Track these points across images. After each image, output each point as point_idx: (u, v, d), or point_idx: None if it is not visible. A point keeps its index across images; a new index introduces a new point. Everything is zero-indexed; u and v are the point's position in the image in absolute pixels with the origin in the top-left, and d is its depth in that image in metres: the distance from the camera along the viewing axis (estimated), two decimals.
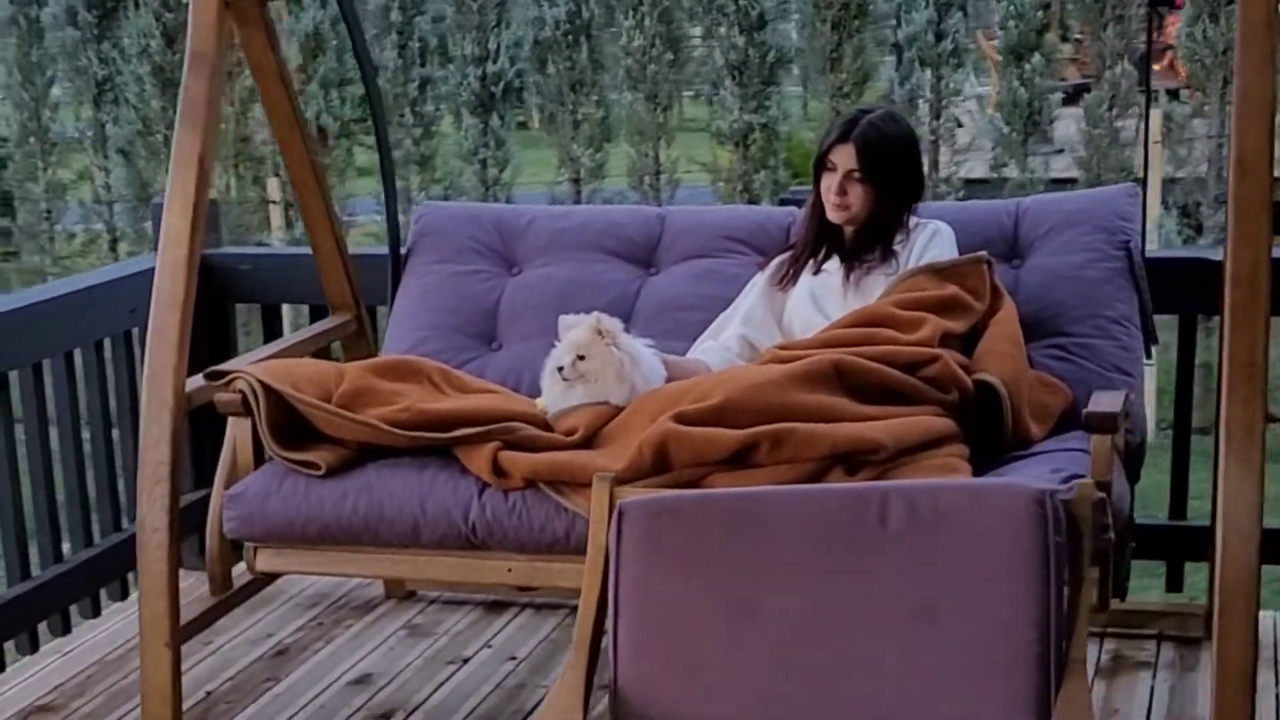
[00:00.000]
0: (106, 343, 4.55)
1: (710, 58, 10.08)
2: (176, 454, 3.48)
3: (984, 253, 3.71)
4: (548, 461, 3.32)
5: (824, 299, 3.77)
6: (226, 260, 4.86)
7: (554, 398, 3.55)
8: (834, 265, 3.78)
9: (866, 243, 3.75)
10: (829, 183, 3.71)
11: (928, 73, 9.58)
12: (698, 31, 10.74)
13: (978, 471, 3.32)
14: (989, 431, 3.45)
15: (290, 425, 3.47)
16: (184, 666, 4.16)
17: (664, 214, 4.25)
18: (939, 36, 9.39)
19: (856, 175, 3.67)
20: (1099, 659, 4.02)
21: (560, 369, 3.50)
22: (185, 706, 3.90)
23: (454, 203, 4.56)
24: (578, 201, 9.82)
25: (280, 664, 4.25)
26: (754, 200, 9.55)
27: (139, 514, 3.47)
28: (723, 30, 9.55)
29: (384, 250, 4.34)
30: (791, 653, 2.29)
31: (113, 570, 4.58)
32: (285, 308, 5.45)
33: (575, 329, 3.54)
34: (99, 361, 4.49)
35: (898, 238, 3.75)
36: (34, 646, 4.32)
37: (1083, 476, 3.08)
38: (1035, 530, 2.26)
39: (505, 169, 10.06)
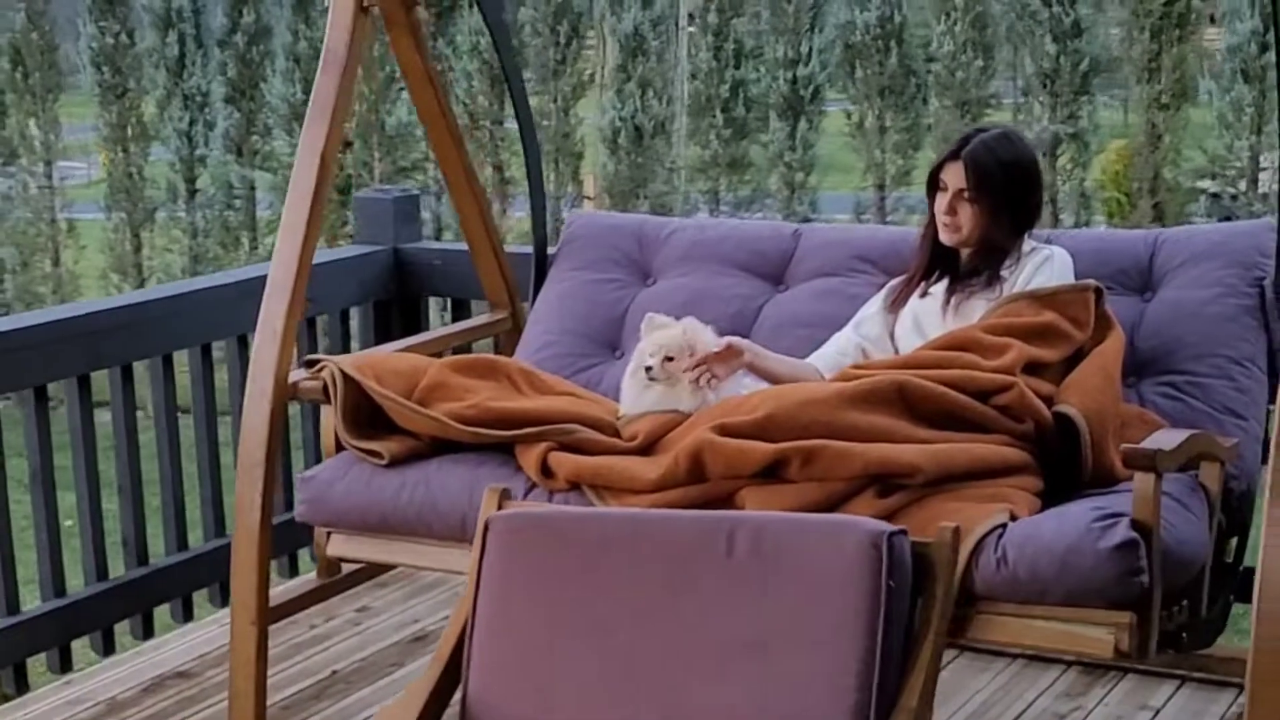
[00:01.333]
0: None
1: (1019, 65, 9.83)
2: (273, 439, 3.67)
3: (1092, 280, 3.57)
4: (591, 465, 3.36)
5: (925, 322, 3.70)
6: (420, 254, 5.07)
7: (629, 399, 3.59)
8: (939, 288, 3.70)
9: (978, 266, 3.66)
10: (940, 202, 3.64)
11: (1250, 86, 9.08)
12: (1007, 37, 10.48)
13: (1047, 505, 3.21)
14: (1068, 465, 3.33)
15: (370, 416, 3.61)
16: (325, 645, 4.44)
17: (800, 230, 4.23)
18: (1263, 48, 8.90)
19: (966, 195, 3.59)
20: (1163, 706, 3.87)
21: (648, 368, 3.52)
22: (306, 683, 4.15)
23: (602, 213, 4.64)
24: (881, 209, 9.74)
25: (413, 650, 4.39)
26: (1057, 215, 9.28)
27: (236, 494, 3.67)
28: (1036, 36, 9.29)
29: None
30: (632, 679, 2.28)
31: None
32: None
33: (665, 329, 3.56)
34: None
35: (1007, 262, 3.64)
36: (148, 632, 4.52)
37: (1123, 515, 2.97)
38: (865, 572, 2.19)
39: (810, 173, 10.05)
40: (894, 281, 3.82)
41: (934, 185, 3.67)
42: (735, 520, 2.36)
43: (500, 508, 2.62)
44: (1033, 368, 3.45)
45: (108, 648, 4.33)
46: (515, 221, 10.73)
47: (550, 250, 4.41)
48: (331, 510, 3.59)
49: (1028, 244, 3.67)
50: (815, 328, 3.90)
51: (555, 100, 10.51)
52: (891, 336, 3.76)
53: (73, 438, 4.17)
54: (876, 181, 10.03)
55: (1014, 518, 3.09)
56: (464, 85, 10.60)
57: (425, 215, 10.51)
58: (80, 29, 11.79)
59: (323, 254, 4.94)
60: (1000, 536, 3.02)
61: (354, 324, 5.04)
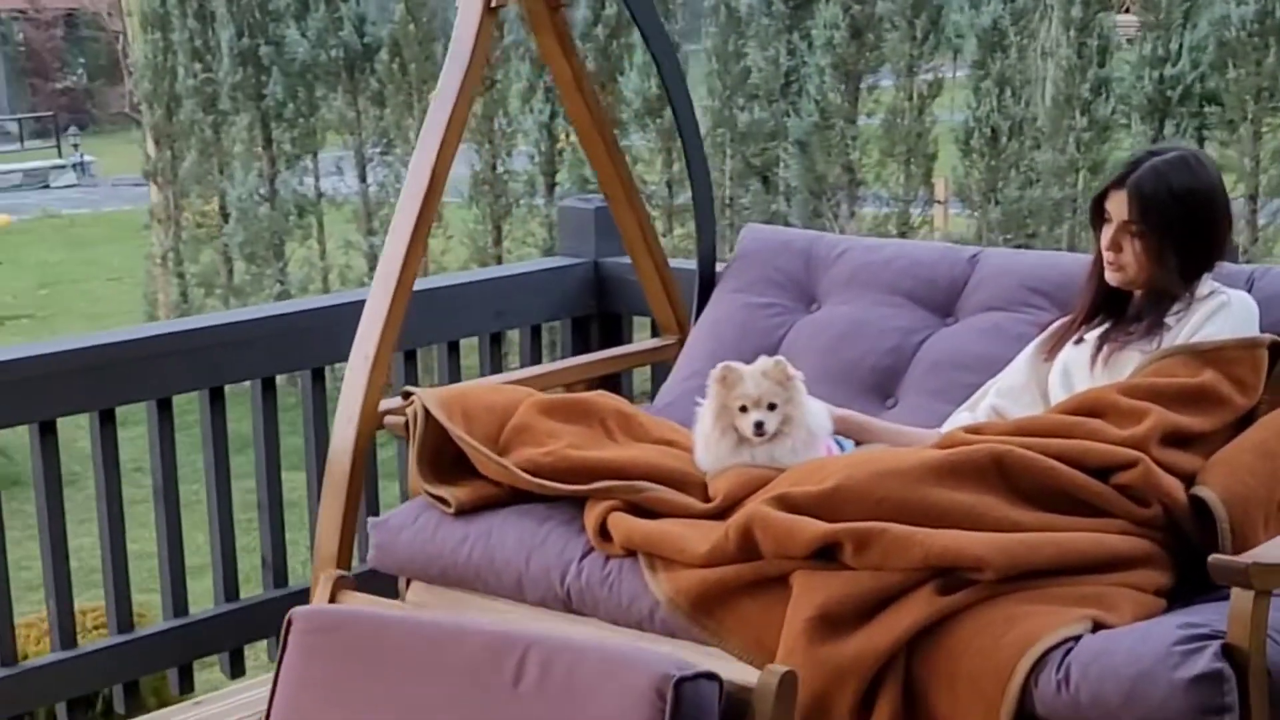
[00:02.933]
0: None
1: None
2: (356, 468, 3.45)
3: (1268, 336, 2.98)
4: (644, 531, 3.00)
5: (1074, 374, 3.19)
6: (621, 269, 4.76)
7: (712, 455, 3.19)
8: (1095, 335, 3.17)
9: (1140, 311, 3.12)
10: (1104, 236, 3.12)
11: None
12: None
13: (1175, 606, 2.68)
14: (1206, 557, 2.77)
15: (458, 454, 3.34)
16: None
17: (979, 254, 3.72)
18: None
19: (1132, 228, 3.05)
20: None
21: (759, 425, 3.10)
22: None
23: (775, 227, 4.21)
24: (1253, 223, 8.84)
25: None
26: None
27: (318, 527, 3.47)
28: None
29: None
30: None
31: None
32: None
33: (756, 375, 3.14)
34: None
35: (1175, 308, 3.08)
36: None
37: (1215, 639, 2.43)
38: None
39: None
40: (1057, 323, 3.29)
41: (1099, 215, 3.13)
42: (529, 642, 1.99)
43: (334, 597, 2.30)
44: (1179, 439, 2.90)
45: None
46: (864, 220, 10.29)
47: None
48: (399, 558, 3.34)
49: (1206, 286, 3.10)
50: (975, 371, 3.44)
51: (910, 98, 10.00)
52: (1043, 390, 3.24)
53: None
54: (1249, 192, 9.13)
55: (1101, 626, 2.58)
56: (815, 81, 10.20)
57: None
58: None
59: (516, 266, 4.68)
60: (1069, 651, 2.52)
61: (546, 338, 4.76)
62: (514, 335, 4.68)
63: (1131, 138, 9.36)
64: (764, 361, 3.18)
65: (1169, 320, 3.10)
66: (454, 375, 4.29)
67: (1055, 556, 2.70)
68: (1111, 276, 3.15)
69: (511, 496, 3.27)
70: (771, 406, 3.12)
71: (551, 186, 11.62)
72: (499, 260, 11.94)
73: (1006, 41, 9.55)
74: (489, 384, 3.64)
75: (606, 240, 4.60)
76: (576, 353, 4.52)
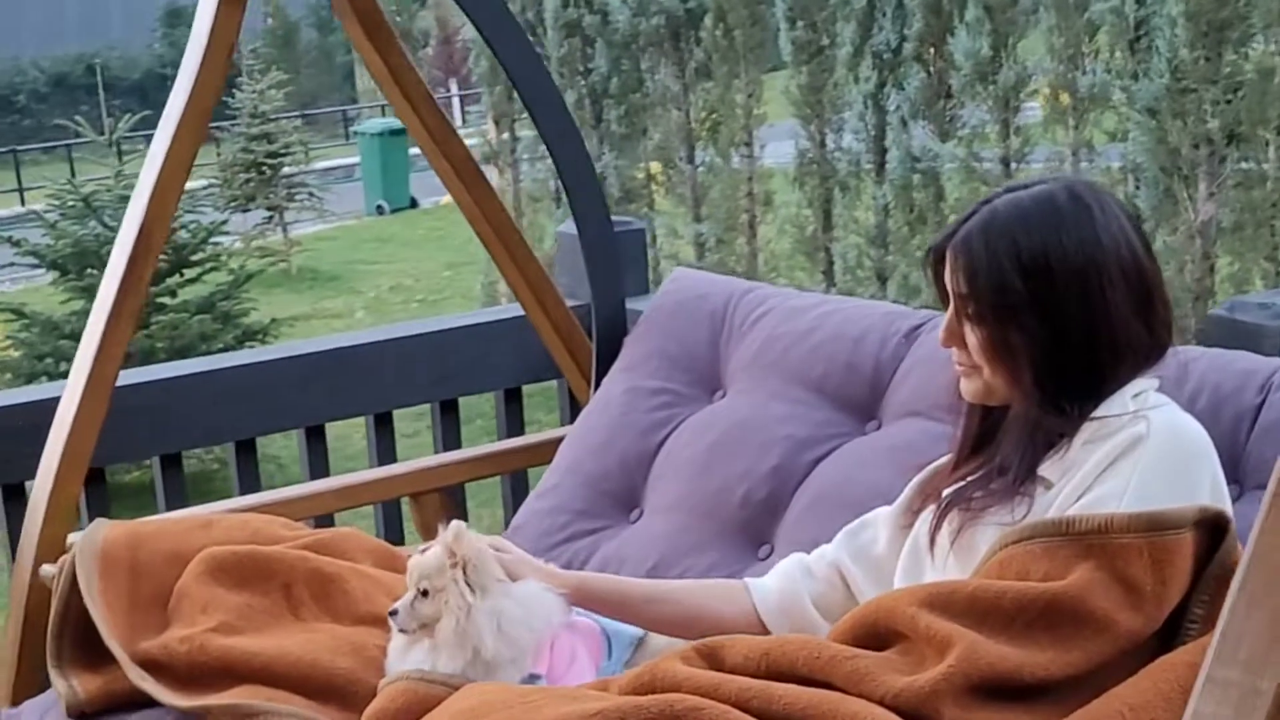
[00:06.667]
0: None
1: None
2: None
3: (1195, 507, 1.76)
4: None
5: (923, 555, 2.02)
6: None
7: (392, 654, 2.19)
8: (950, 492, 2.00)
9: (1008, 454, 1.94)
10: (943, 323, 1.98)
11: None
12: None
13: None
14: None
15: None
16: None
17: (923, 327, 2.54)
18: None
19: (969, 310, 1.89)
20: None
21: (393, 613, 2.14)
22: None
23: (701, 274, 3.06)
24: None
25: None
26: None
27: None
28: None
29: None
30: None
31: None
32: None
33: (428, 550, 2.15)
34: None
35: (1057, 448, 1.90)
36: None
37: None
38: None
39: None
40: (938, 462, 2.13)
41: (942, 292, 1.99)
42: None
43: None
44: (1004, 690, 1.73)
45: None
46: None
47: None
48: None
49: (1119, 403, 1.87)
50: (858, 509, 2.27)
51: None
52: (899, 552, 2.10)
53: None
54: None
55: None
56: (1165, 34, 8.66)
57: None
58: None
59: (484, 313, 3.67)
60: None
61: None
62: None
63: None
64: (452, 527, 2.15)
65: (1045, 468, 1.90)
66: (387, 455, 3.38)
67: None
68: (961, 387, 1.99)
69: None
70: (424, 593, 2.09)
71: (881, 167, 10.43)
72: (827, 252, 10.85)
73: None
74: (186, 522, 2.66)
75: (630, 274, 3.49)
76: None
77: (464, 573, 2.08)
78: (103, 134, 10.85)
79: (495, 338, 3.37)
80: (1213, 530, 1.78)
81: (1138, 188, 8.99)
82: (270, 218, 17.01)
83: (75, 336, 9.01)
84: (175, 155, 2.66)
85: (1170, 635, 1.79)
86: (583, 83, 12.24)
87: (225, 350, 9.23)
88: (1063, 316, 1.86)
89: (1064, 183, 1.93)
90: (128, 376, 3.01)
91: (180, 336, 9.10)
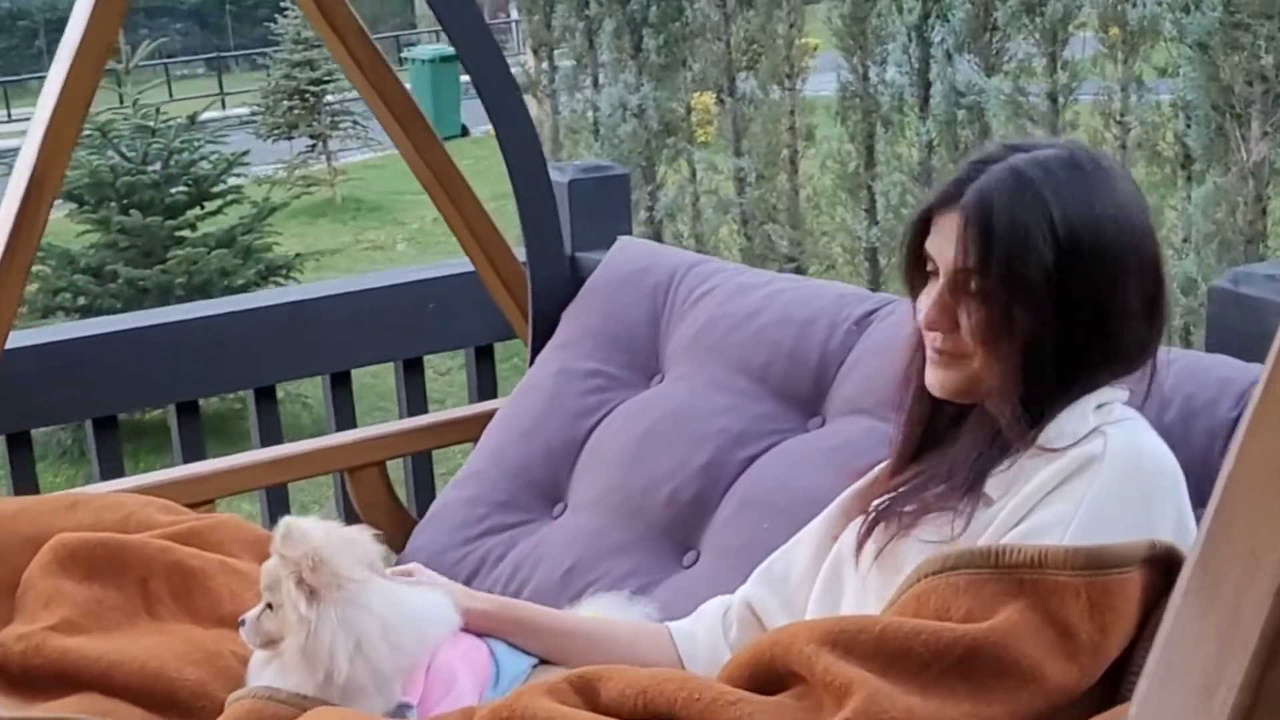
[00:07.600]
0: None
1: None
2: None
3: (1143, 542, 1.49)
4: None
5: (845, 573, 1.77)
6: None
7: (253, 666, 1.95)
8: (879, 502, 1.74)
9: (958, 460, 1.68)
10: (923, 304, 1.69)
11: None
12: None
13: None
14: None
15: None
16: None
17: (875, 310, 2.27)
18: None
19: (972, 285, 1.61)
20: None
21: (241, 623, 1.90)
22: None
23: (648, 243, 2.77)
24: None
25: None
26: None
27: None
28: None
29: None
30: None
31: None
32: None
33: (280, 552, 1.88)
34: None
35: (1003, 462, 1.63)
36: None
37: None
38: None
39: None
40: (875, 469, 1.86)
41: (916, 264, 1.70)
42: None
43: None
44: None
45: None
46: None
47: None
48: None
49: (1077, 415, 1.61)
50: (797, 519, 2.00)
51: None
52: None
53: None
54: None
55: None
56: None
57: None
58: None
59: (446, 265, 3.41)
60: None
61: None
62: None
63: None
64: (324, 525, 1.89)
65: (990, 485, 1.63)
66: (346, 420, 3.15)
67: None
68: (932, 378, 1.70)
69: None
70: (270, 607, 1.85)
71: (925, 101, 10.08)
72: (869, 190, 10.51)
73: None
74: (101, 492, 2.43)
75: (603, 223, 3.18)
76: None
77: (300, 583, 1.82)
78: (120, 62, 10.60)
79: (465, 291, 3.10)
80: (1166, 569, 1.51)
81: (1189, 125, 8.62)
82: (313, 146, 16.76)
83: (93, 271, 8.82)
84: (70, 93, 2.42)
85: (1114, 688, 1.53)
86: (620, 11, 11.92)
87: (245, 287, 9.01)
88: (1077, 304, 1.58)
89: (1074, 147, 1.64)
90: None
91: (199, 272, 8.87)
